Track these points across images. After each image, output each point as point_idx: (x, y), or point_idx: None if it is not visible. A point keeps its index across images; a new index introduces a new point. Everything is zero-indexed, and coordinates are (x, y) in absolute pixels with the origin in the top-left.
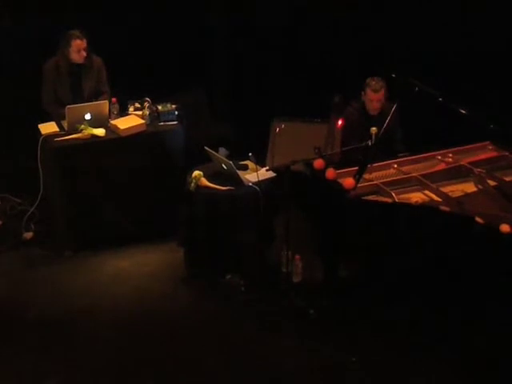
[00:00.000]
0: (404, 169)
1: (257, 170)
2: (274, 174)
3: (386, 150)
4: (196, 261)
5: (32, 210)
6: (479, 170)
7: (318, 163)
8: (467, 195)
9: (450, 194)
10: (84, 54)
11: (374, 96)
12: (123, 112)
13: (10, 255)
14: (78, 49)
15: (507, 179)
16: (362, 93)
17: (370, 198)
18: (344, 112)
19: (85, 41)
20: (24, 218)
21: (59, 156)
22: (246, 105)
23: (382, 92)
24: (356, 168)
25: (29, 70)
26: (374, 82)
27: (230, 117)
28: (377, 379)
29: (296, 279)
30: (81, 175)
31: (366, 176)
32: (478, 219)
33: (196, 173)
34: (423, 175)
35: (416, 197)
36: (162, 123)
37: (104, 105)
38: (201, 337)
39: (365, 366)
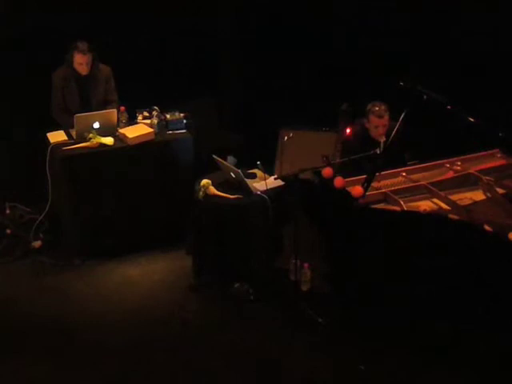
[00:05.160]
0: (412, 177)
1: (265, 179)
2: (283, 183)
3: (395, 158)
4: (204, 269)
5: (41, 218)
6: (488, 178)
7: (327, 171)
8: (476, 203)
9: (458, 202)
10: (85, 68)
11: (379, 122)
12: (132, 121)
13: (19, 264)
14: (79, 62)
15: None
16: (365, 120)
17: (379, 206)
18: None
19: (88, 55)
20: (33, 226)
21: (68, 164)
22: (255, 113)
23: (387, 116)
24: (364, 176)
25: (40, 76)
26: (377, 108)
27: (238, 125)
28: None
29: (305, 287)
30: (89, 184)
31: (375, 184)
32: (486, 227)
33: (204, 181)
34: (432, 183)
35: (424, 205)
36: (170, 132)
37: (112, 113)
38: (210, 345)
39: (374, 375)
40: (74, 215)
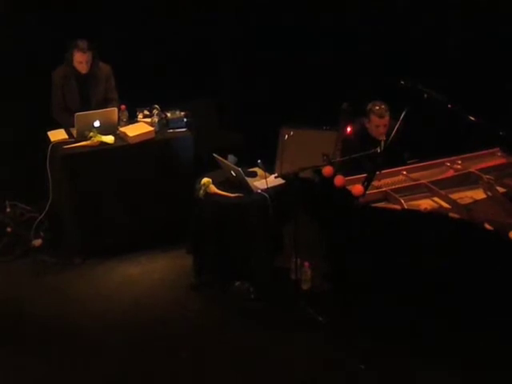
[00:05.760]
0: (413, 175)
1: (265, 177)
2: (283, 181)
3: (395, 157)
4: (205, 268)
5: (41, 217)
6: (488, 176)
7: (327, 170)
8: (476, 202)
9: (458, 200)
10: (85, 66)
11: (380, 121)
12: (132, 119)
13: (19, 263)
14: (78, 60)
15: None
16: (366, 119)
17: (379, 205)
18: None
19: (88, 54)
20: (33, 225)
21: (68, 163)
22: (255, 112)
23: (388, 115)
24: (365, 175)
25: (40, 76)
26: (378, 108)
27: (238, 124)
28: None
29: (305, 286)
30: (89, 182)
31: (375, 183)
32: (486, 226)
33: (205, 180)
34: (432, 182)
35: (425, 204)
36: (170, 130)
37: (113, 112)
38: (210, 344)
39: (375, 373)
40: (75, 214)
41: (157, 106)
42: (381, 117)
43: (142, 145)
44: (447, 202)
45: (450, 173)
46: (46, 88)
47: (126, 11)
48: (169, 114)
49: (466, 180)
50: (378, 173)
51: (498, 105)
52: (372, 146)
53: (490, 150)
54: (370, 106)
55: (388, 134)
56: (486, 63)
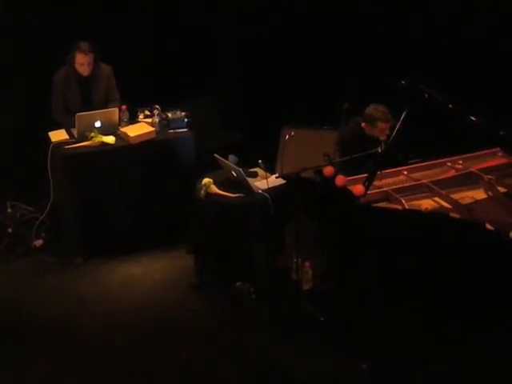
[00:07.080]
0: (414, 175)
1: (266, 177)
2: (284, 181)
3: (396, 156)
4: (206, 268)
5: (42, 217)
6: (489, 176)
7: (328, 170)
8: (477, 202)
9: (460, 200)
10: (87, 68)
11: (386, 125)
12: (133, 119)
13: (20, 263)
14: (80, 62)
15: None
16: (369, 124)
17: (380, 205)
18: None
19: (90, 55)
20: (34, 225)
21: (69, 164)
22: (256, 112)
23: (390, 117)
24: (366, 175)
25: (40, 76)
26: (382, 113)
27: (239, 124)
28: None
29: (306, 286)
30: (90, 183)
31: (376, 183)
32: (488, 226)
33: (206, 180)
34: (433, 182)
35: (426, 204)
36: (171, 130)
37: (114, 112)
38: (211, 344)
39: (375, 373)
40: (76, 214)
41: (157, 106)
42: (387, 121)
43: (143, 145)
44: (448, 202)
45: (451, 173)
46: (47, 88)
47: (126, 11)
48: (170, 115)
49: (466, 180)
50: (378, 173)
51: (498, 105)
52: (371, 145)
53: (491, 150)
54: (371, 111)
55: (388, 134)
56: (485, 63)
